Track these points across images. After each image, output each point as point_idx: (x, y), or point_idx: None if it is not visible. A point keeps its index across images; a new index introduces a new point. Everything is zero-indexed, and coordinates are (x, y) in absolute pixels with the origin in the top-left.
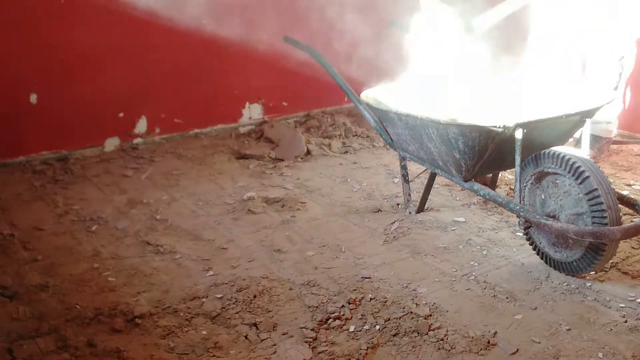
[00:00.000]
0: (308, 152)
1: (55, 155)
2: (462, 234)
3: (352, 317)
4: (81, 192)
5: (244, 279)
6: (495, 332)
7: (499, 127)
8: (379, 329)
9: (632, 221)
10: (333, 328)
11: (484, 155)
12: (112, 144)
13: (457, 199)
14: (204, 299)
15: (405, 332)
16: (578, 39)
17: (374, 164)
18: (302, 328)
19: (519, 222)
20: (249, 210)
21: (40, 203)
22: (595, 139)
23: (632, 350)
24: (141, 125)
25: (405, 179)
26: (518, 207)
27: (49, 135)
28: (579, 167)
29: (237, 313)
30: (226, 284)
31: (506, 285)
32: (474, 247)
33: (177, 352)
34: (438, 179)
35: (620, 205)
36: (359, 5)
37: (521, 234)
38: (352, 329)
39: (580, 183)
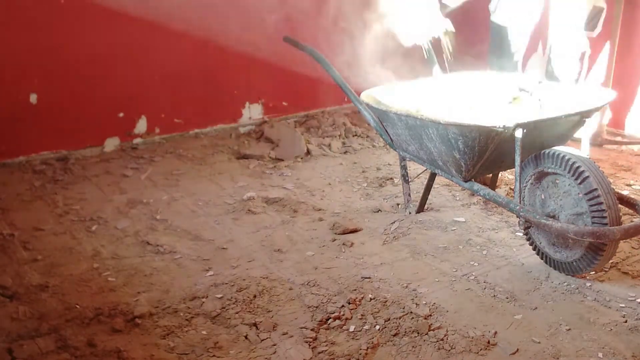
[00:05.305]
0: (308, 152)
1: (55, 155)
2: (462, 234)
3: (352, 317)
4: (81, 192)
5: (244, 279)
6: (495, 332)
7: (499, 127)
8: (379, 329)
9: (632, 221)
10: (333, 328)
11: (484, 155)
12: (112, 144)
13: (457, 199)
14: (204, 299)
15: (405, 332)
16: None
17: (374, 164)
18: (302, 328)
19: (519, 222)
20: (249, 210)
21: (40, 203)
22: None
23: (632, 350)
24: (141, 125)
25: (405, 179)
26: (518, 207)
27: (49, 135)
28: (578, 167)
29: (237, 313)
30: (226, 284)
31: (506, 285)
32: (474, 247)
33: (177, 352)
34: (438, 179)
35: (620, 205)
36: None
37: (521, 234)
38: (352, 329)
39: (580, 183)
